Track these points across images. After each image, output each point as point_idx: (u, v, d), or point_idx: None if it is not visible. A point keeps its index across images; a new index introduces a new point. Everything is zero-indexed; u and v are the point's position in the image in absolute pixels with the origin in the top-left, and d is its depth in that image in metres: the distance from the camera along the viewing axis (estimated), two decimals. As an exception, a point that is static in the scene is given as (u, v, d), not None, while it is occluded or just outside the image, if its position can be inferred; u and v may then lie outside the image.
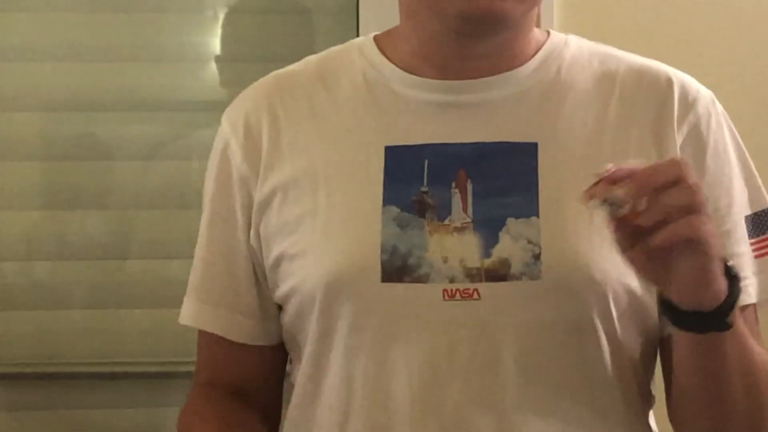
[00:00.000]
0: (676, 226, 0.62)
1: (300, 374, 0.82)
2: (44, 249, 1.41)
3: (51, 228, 1.41)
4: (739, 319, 0.71)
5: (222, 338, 0.85)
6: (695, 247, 0.64)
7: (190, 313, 0.86)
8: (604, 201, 0.62)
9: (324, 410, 0.80)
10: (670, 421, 0.79)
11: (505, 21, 0.76)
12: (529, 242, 0.76)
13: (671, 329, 0.71)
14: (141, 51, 1.42)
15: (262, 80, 0.89)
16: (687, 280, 0.65)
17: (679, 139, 0.80)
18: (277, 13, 1.40)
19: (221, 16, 1.41)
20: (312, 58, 0.89)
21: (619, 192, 0.61)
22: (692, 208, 0.63)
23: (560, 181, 0.78)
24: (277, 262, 0.81)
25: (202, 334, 0.87)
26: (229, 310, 0.84)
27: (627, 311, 0.77)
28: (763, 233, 0.81)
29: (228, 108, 0.88)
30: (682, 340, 0.71)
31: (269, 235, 0.82)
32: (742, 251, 0.80)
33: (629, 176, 0.62)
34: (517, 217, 0.76)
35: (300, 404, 0.82)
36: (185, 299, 0.87)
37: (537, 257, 0.75)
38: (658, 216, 0.62)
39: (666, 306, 0.68)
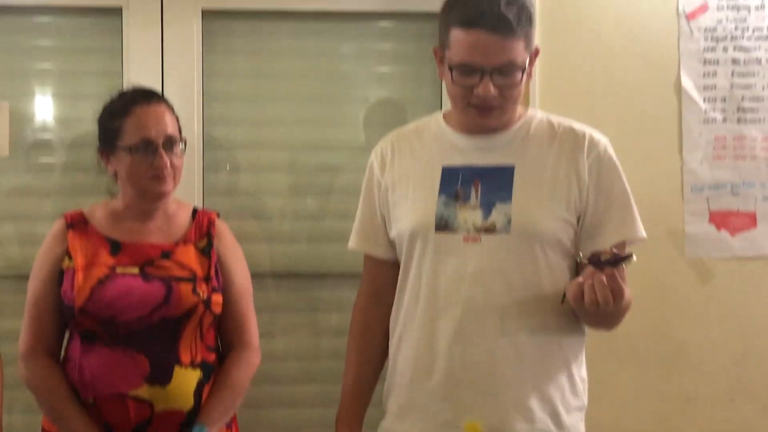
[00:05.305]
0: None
1: (399, 275, 2.14)
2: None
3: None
4: None
5: (370, 255, 2.25)
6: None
7: (355, 242, 2.25)
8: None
9: (406, 294, 2.11)
10: None
11: (490, 127, 2.07)
12: (506, 215, 2.00)
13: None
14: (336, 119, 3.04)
15: (390, 133, 2.26)
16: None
17: (587, 164, 2.04)
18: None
19: (362, 110, 3.05)
20: (414, 122, 2.26)
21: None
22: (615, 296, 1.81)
23: (524, 185, 2.02)
24: (391, 219, 2.15)
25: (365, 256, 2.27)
26: (373, 241, 2.22)
27: (554, 248, 2.02)
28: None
29: (375, 147, 2.25)
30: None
31: (389, 205, 2.15)
32: (606, 232, 2.04)
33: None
34: (501, 202, 2.01)
35: (397, 292, 2.14)
36: (351, 235, 2.26)
37: (509, 222, 1.99)
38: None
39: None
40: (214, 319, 2.28)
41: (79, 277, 2.20)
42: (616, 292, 1.80)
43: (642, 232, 2.07)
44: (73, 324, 2.22)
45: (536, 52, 2.04)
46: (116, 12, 2.92)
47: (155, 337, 2.20)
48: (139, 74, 2.83)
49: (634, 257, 1.79)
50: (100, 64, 2.95)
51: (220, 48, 3.00)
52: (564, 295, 1.94)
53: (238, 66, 3.02)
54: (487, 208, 2.03)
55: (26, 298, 2.28)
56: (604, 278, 1.79)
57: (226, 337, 2.36)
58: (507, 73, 1.96)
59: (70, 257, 2.25)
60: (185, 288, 2.22)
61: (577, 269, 2.05)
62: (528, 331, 2.01)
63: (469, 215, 2.04)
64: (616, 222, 2.05)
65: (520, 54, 1.95)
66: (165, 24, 2.92)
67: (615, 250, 1.83)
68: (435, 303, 2.05)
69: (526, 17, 1.95)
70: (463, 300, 2.02)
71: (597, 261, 1.81)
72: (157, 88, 2.76)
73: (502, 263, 2.01)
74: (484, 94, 1.95)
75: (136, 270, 2.23)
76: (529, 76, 2.02)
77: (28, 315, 2.27)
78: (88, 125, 2.39)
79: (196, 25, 2.95)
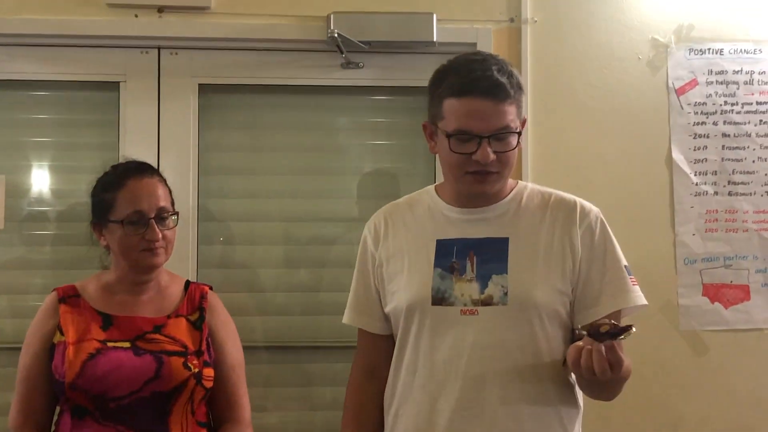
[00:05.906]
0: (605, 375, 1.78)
1: (395, 349, 2.11)
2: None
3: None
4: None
5: (364, 330, 2.20)
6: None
7: (350, 317, 2.21)
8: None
9: (403, 369, 2.08)
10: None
11: (489, 194, 2.06)
12: (502, 287, 1.99)
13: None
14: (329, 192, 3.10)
15: (383, 207, 2.24)
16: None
17: (579, 234, 2.05)
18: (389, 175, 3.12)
19: (356, 183, 3.10)
20: (406, 196, 2.25)
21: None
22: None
23: (519, 257, 2.02)
24: (386, 293, 2.12)
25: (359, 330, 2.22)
26: (368, 316, 2.18)
27: (551, 318, 2.01)
28: (630, 275, 2.06)
29: (368, 221, 2.22)
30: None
31: (384, 280, 2.14)
32: (600, 302, 2.03)
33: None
34: (497, 274, 2.01)
35: (392, 367, 2.11)
36: (346, 310, 2.22)
37: (506, 294, 1.99)
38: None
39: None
40: (205, 393, 2.25)
41: (70, 352, 2.18)
42: (614, 364, 1.78)
43: (636, 300, 2.05)
44: (64, 399, 2.19)
45: (524, 122, 2.07)
46: (114, 86, 2.98)
47: (146, 412, 2.17)
48: (135, 147, 2.87)
49: (634, 329, 1.75)
50: (97, 137, 3.00)
51: (216, 122, 3.05)
52: (565, 359, 1.92)
53: (234, 139, 3.07)
54: (483, 280, 2.02)
55: (17, 372, 2.27)
56: (603, 349, 1.77)
57: (217, 412, 2.34)
58: (503, 138, 1.97)
59: (61, 332, 2.23)
60: (176, 362, 2.20)
61: (573, 339, 2.02)
62: (528, 401, 2.00)
63: (466, 288, 2.02)
64: (610, 291, 2.05)
65: (514, 119, 1.99)
66: (162, 98, 2.98)
67: (614, 322, 1.81)
68: (434, 377, 2.03)
69: (516, 83, 2.00)
70: (463, 373, 1.99)
71: (596, 333, 1.79)
72: (154, 160, 2.83)
73: (501, 335, 1.99)
74: (484, 160, 1.96)
75: (127, 344, 2.21)
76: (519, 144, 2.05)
77: (18, 389, 2.25)
78: (84, 198, 2.39)
79: (193, 100, 3.00)
